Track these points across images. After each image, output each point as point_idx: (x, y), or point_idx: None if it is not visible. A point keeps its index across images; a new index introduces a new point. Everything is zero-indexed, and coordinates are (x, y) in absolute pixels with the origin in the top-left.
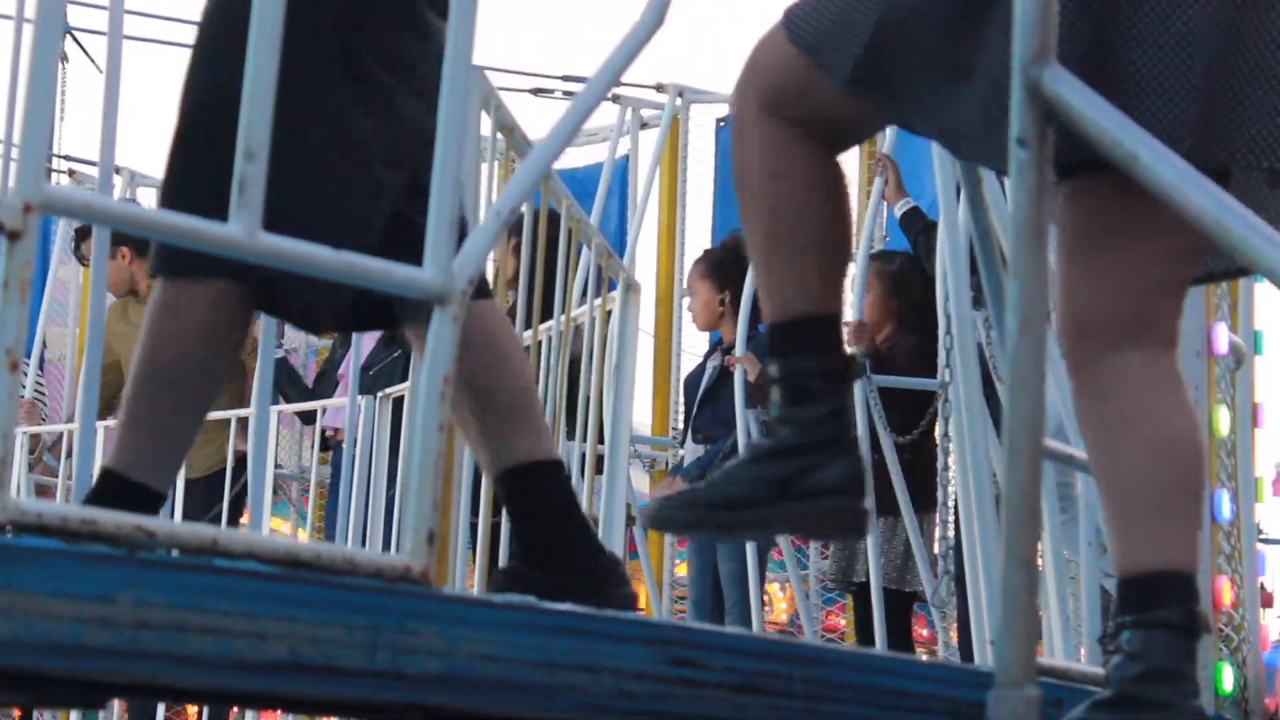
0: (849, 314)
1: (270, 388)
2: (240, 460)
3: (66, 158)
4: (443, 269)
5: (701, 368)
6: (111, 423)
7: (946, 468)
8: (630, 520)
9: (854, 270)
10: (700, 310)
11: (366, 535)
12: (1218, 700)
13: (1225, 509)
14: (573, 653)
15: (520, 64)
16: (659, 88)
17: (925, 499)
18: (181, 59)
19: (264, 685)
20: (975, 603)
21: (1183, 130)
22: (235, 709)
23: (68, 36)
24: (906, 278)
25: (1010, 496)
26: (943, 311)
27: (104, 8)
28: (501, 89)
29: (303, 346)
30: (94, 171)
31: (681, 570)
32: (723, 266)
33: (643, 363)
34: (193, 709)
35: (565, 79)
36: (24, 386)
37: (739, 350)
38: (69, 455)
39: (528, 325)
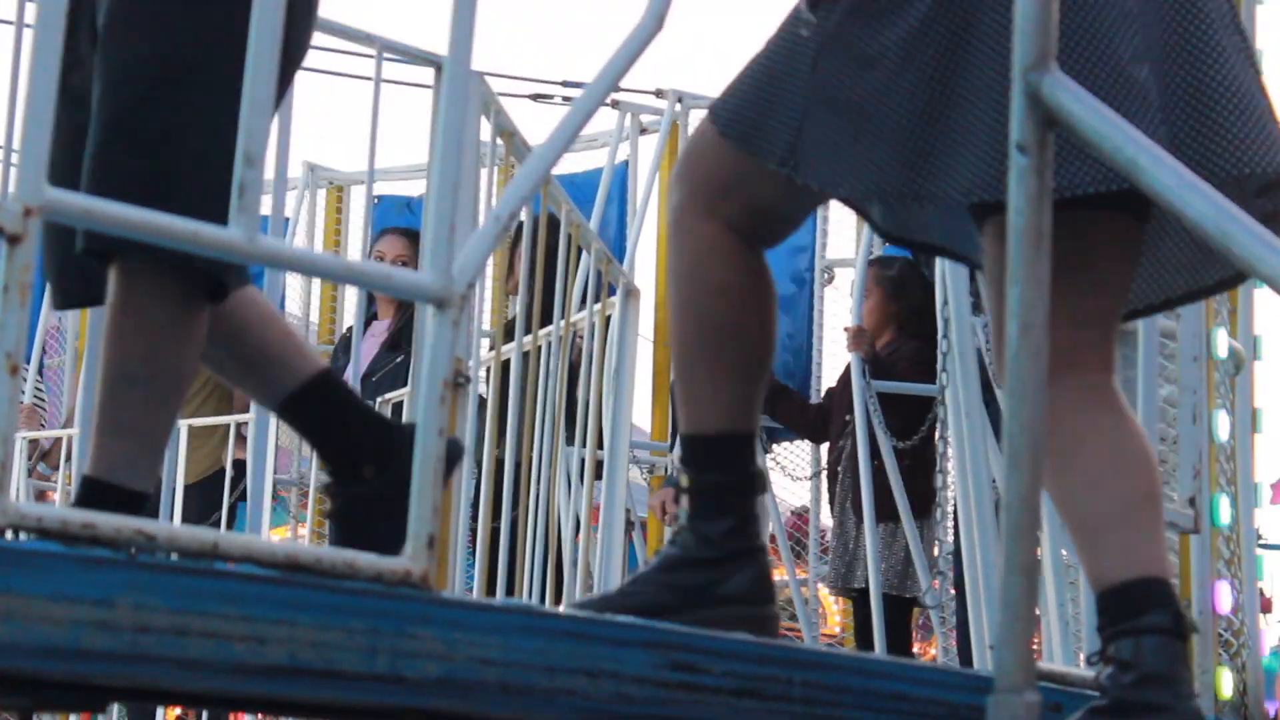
0: (849, 320)
1: None
2: (240, 466)
3: None
4: (442, 273)
5: None
6: None
7: (946, 473)
8: (629, 526)
9: (854, 275)
10: None
11: None
12: (1217, 705)
13: (1224, 514)
14: (572, 657)
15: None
16: (658, 93)
17: (925, 504)
18: None
19: (264, 689)
20: (974, 608)
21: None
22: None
23: None
24: (906, 283)
25: (1010, 502)
26: (942, 317)
27: None
28: (501, 94)
29: None
30: None
31: None
32: None
33: (642, 368)
34: (173, 714)
35: (564, 84)
36: (23, 391)
37: None
38: (68, 459)
39: (528, 330)
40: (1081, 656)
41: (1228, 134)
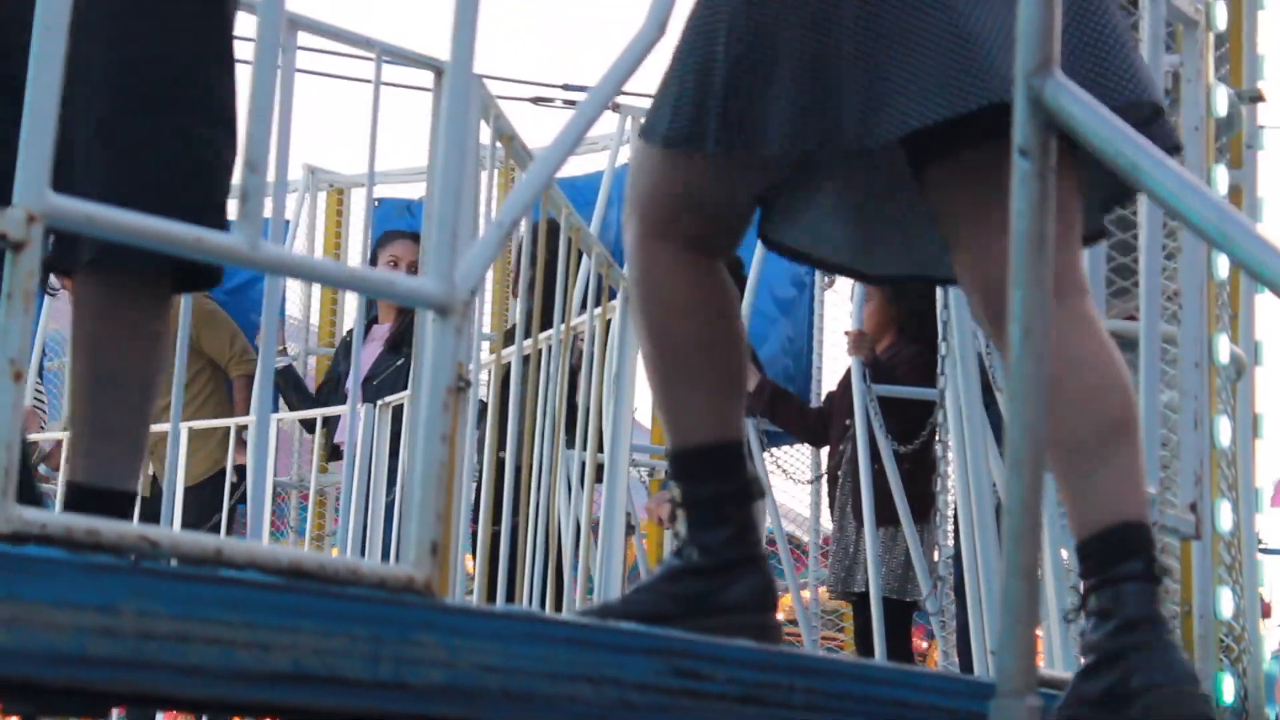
0: (849, 323)
1: (271, 396)
2: (240, 470)
3: None
4: (444, 279)
5: None
6: None
7: (946, 477)
8: (630, 529)
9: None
10: None
11: (366, 542)
12: (1219, 711)
13: (1225, 520)
14: (575, 663)
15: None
16: None
17: (925, 508)
18: None
19: (267, 696)
20: (975, 612)
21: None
22: None
23: None
24: (905, 286)
25: (1011, 507)
26: (941, 320)
27: None
28: (501, 97)
29: (302, 355)
30: None
31: None
32: None
33: (643, 371)
34: None
35: (565, 87)
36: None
37: None
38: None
39: (528, 334)
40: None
41: (1111, 65)
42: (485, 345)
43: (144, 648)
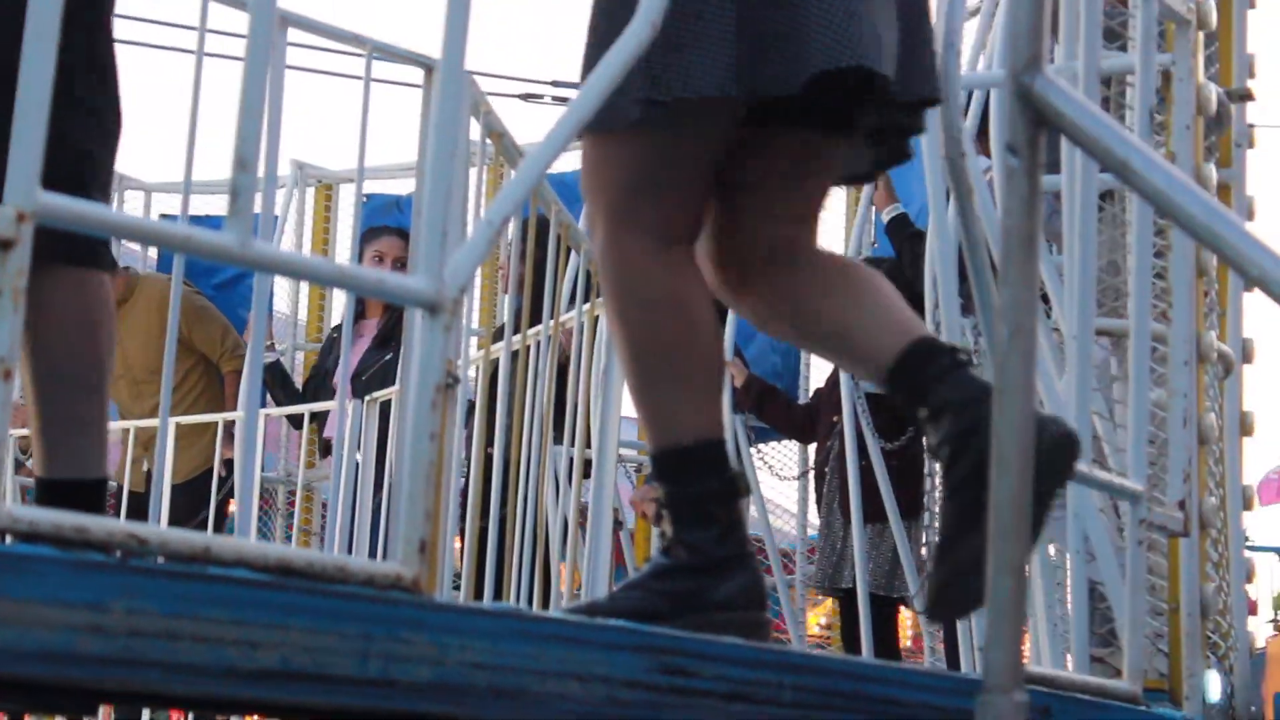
0: None
1: (259, 392)
2: (230, 465)
3: None
4: (434, 277)
5: None
6: None
7: (934, 473)
8: (617, 525)
9: None
10: None
11: (354, 539)
12: (1205, 707)
13: (1213, 517)
14: (564, 661)
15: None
16: None
17: (913, 505)
18: (170, 62)
19: (256, 693)
20: None
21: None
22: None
23: None
24: (894, 283)
25: (999, 505)
26: (931, 319)
27: None
28: (490, 94)
29: (290, 350)
30: None
31: None
32: None
33: None
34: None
35: (554, 84)
36: None
37: (727, 353)
38: None
39: (516, 330)
40: (1069, 659)
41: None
42: (474, 341)
43: (133, 645)
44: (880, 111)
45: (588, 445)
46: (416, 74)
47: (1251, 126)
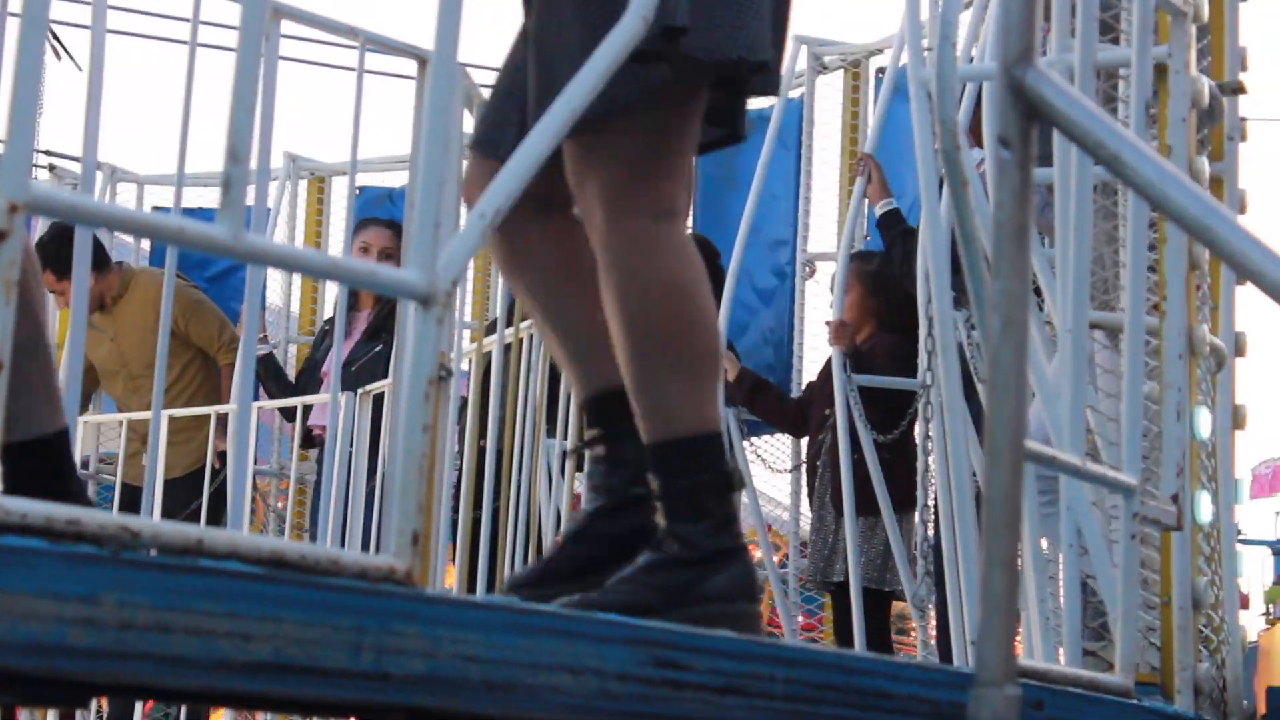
0: (829, 313)
1: (252, 384)
2: (223, 457)
3: (46, 152)
4: (426, 270)
5: None
6: (89, 418)
7: (926, 467)
8: None
9: (835, 269)
10: None
11: (346, 531)
12: (1197, 701)
13: (1205, 511)
14: (556, 653)
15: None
16: None
17: (905, 498)
18: (162, 53)
19: (248, 686)
20: (955, 603)
21: None
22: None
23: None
24: (886, 278)
25: (991, 498)
26: (924, 312)
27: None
28: (484, 86)
29: (283, 343)
30: (74, 165)
31: None
32: None
33: None
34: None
35: None
36: None
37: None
38: None
39: (509, 323)
40: (1062, 653)
41: None
42: (466, 333)
43: (125, 638)
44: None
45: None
46: (410, 66)
47: (1243, 120)
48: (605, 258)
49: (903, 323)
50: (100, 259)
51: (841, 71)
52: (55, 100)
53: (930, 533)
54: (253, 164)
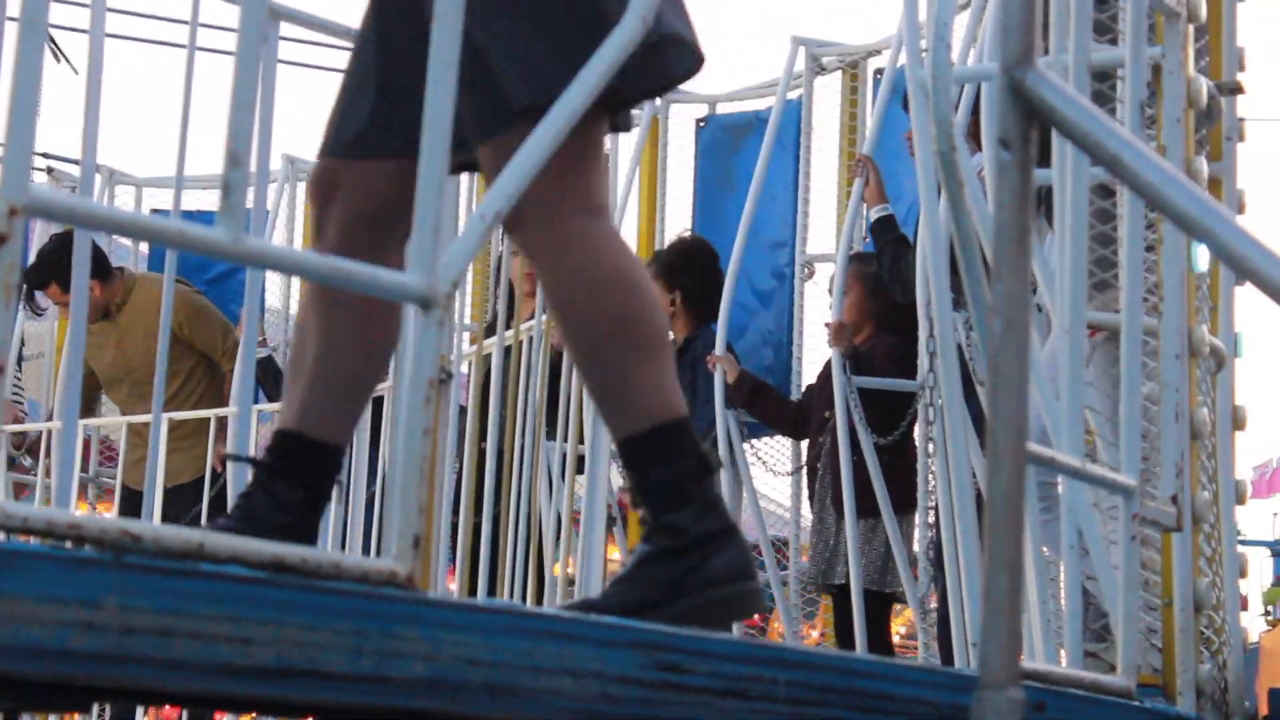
0: (828, 315)
1: (251, 387)
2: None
3: (44, 155)
4: (427, 273)
5: None
6: (91, 421)
7: (927, 468)
8: (611, 520)
9: (834, 271)
10: None
11: (347, 533)
12: (1199, 702)
13: (1205, 512)
14: (558, 657)
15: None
16: None
17: (905, 500)
18: (161, 56)
19: (249, 690)
20: (956, 604)
21: None
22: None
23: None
24: (878, 285)
25: (993, 500)
26: (923, 314)
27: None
28: None
29: (282, 346)
30: (72, 169)
31: None
32: (671, 268)
33: None
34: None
35: None
36: None
37: (718, 349)
38: (48, 453)
39: (509, 325)
40: (1063, 654)
41: None
42: (466, 336)
43: (126, 642)
44: None
45: (581, 441)
46: None
47: (1241, 120)
48: (546, 260)
49: (902, 324)
50: (104, 268)
51: (839, 73)
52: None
53: (931, 534)
54: (252, 166)
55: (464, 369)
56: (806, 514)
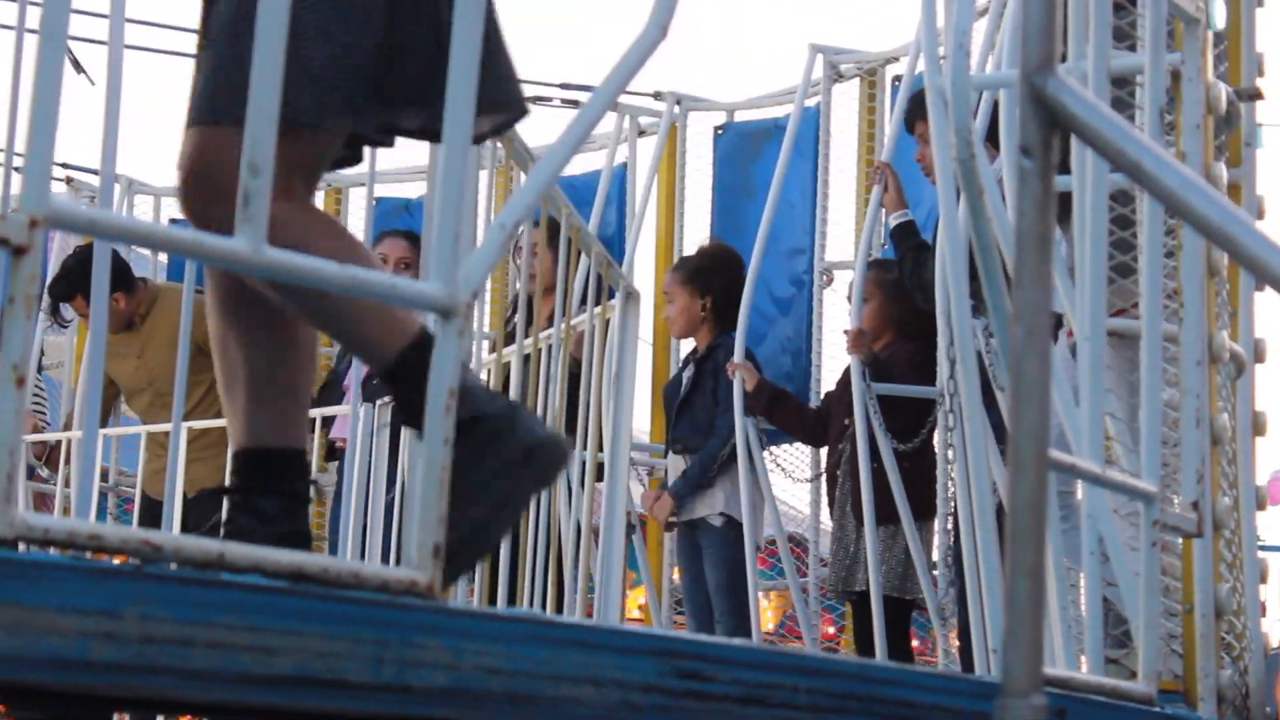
0: (847, 322)
1: None
2: None
3: (63, 165)
4: (447, 282)
5: (678, 378)
6: (110, 431)
7: (946, 475)
8: (630, 528)
9: (853, 278)
10: (679, 316)
11: (366, 542)
12: (1220, 708)
13: (1226, 517)
14: (579, 665)
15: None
16: (657, 95)
17: (925, 507)
18: (179, 66)
19: (270, 700)
20: (976, 611)
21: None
22: None
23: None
24: (899, 291)
25: (1016, 506)
26: (943, 320)
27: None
28: None
29: None
30: (91, 179)
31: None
32: (705, 273)
33: (640, 370)
34: None
35: (563, 86)
36: None
37: (737, 356)
38: (67, 461)
39: (527, 334)
40: (1084, 660)
41: None
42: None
43: (147, 652)
44: None
45: (600, 449)
46: None
47: (1260, 126)
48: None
49: (923, 330)
50: (128, 280)
51: (858, 80)
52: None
53: (951, 540)
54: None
55: (483, 377)
56: (825, 521)
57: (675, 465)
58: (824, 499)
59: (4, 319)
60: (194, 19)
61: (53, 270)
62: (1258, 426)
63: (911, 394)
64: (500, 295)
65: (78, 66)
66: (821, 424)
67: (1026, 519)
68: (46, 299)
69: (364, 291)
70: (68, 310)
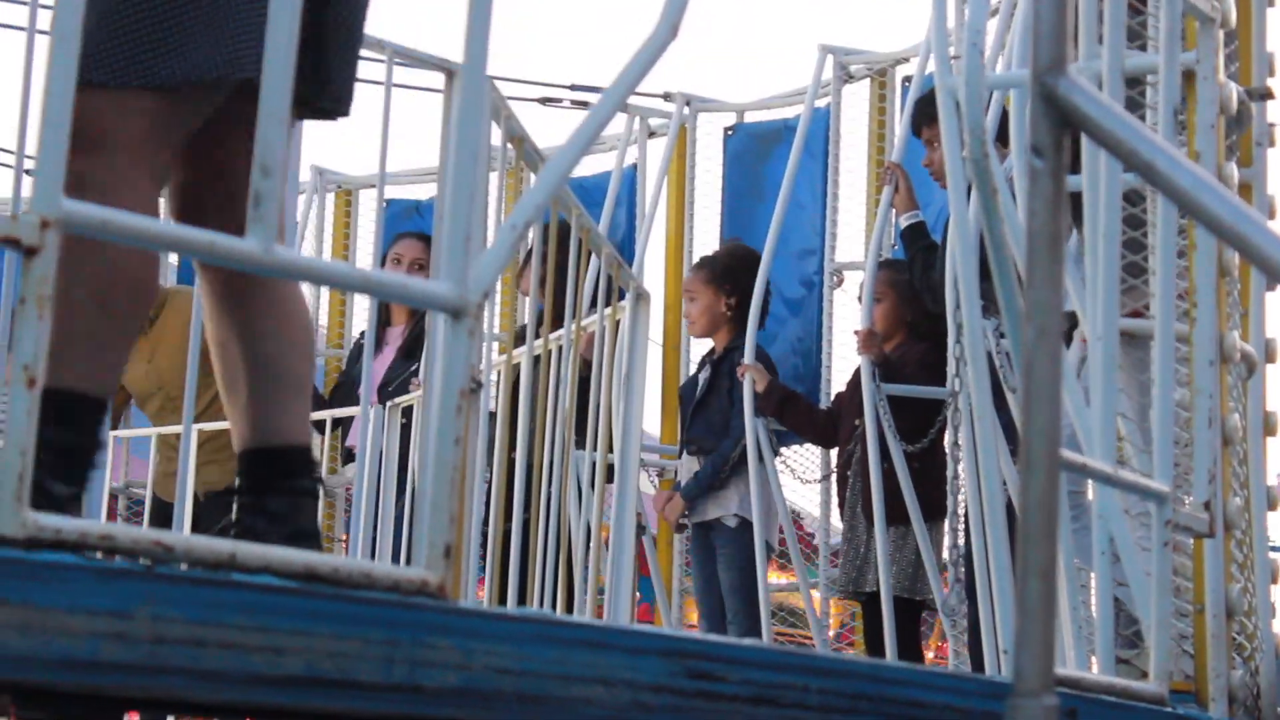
0: (858, 323)
1: None
2: None
3: None
4: (458, 282)
5: (694, 379)
6: (121, 433)
7: (956, 476)
8: (640, 530)
9: (863, 278)
10: (700, 315)
11: (376, 543)
12: (1231, 708)
13: (1237, 518)
14: (590, 665)
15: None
16: (666, 96)
17: (935, 507)
18: None
19: (281, 700)
20: (986, 612)
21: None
22: None
23: None
24: (911, 291)
25: (1027, 506)
26: (953, 320)
27: None
28: (509, 98)
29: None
30: None
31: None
32: (732, 273)
33: (651, 372)
34: None
35: (573, 88)
36: None
37: (748, 357)
38: None
39: (538, 335)
40: (1094, 660)
41: None
42: (495, 345)
43: (158, 652)
44: None
45: (610, 450)
46: (437, 78)
47: (1272, 125)
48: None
49: (933, 331)
50: None
51: (868, 80)
52: None
53: (961, 541)
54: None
55: (494, 378)
56: (835, 521)
57: (687, 466)
58: (834, 499)
59: (16, 320)
60: None
61: None
62: (1269, 426)
63: (920, 394)
64: (510, 296)
65: None
66: (832, 425)
67: (1038, 519)
68: None
69: (376, 292)
70: None
